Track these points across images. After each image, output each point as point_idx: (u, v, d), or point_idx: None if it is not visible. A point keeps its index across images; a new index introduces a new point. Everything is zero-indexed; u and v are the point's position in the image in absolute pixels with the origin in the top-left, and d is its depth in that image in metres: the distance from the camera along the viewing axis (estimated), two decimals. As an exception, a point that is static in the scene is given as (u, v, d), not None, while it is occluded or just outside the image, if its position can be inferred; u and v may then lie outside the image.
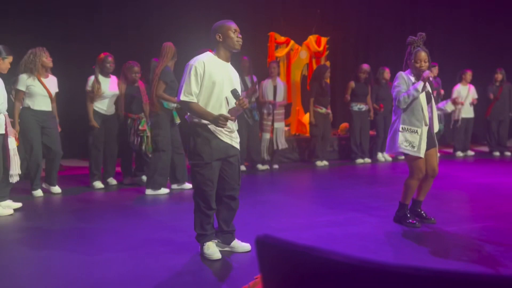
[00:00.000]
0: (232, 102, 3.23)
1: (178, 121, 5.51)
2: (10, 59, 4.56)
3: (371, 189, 5.84)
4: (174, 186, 5.66)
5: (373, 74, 7.95)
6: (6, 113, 4.63)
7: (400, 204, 4.14)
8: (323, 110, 7.47)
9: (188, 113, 3.29)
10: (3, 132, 4.52)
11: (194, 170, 3.24)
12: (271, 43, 8.18)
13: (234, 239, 3.48)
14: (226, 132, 3.25)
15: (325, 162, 7.61)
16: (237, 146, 3.34)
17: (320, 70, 7.56)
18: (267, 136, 7.13)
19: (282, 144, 7.24)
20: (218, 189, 3.31)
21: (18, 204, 4.76)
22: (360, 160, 7.82)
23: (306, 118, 8.07)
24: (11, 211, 4.60)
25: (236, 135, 3.34)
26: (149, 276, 2.99)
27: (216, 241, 3.40)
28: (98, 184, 5.75)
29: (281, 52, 8.21)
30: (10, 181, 4.64)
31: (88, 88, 5.60)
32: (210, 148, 3.19)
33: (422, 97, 3.91)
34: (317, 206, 4.93)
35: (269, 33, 8.20)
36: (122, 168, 6.10)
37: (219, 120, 3.08)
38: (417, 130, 3.88)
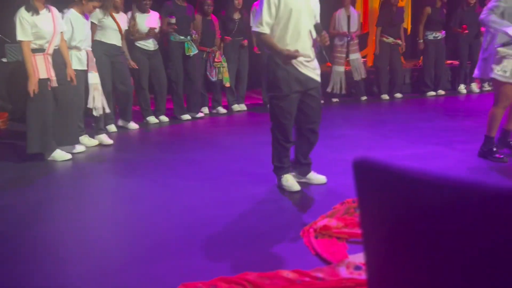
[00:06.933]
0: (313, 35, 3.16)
1: (189, 53, 5.74)
2: (94, 2, 4.57)
3: (454, 122, 5.57)
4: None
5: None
6: (90, 49, 4.82)
7: (485, 137, 3.93)
8: (389, 39, 7.03)
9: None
10: (85, 68, 4.73)
11: (273, 103, 3.24)
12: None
13: (311, 171, 3.52)
14: (306, 63, 3.18)
15: (398, 95, 7.31)
16: (317, 78, 3.26)
17: None
18: (340, 69, 6.87)
19: (363, 74, 7.00)
20: (299, 122, 3.29)
21: (110, 141, 4.92)
22: (431, 93, 7.40)
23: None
24: (96, 142, 4.85)
25: (316, 65, 3.26)
26: (231, 202, 3.15)
27: (292, 174, 3.47)
28: (152, 120, 5.85)
29: (358, -22, 7.74)
30: (94, 114, 4.81)
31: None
32: (289, 80, 3.14)
33: None
34: (393, 139, 4.79)
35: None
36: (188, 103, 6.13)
37: (283, 56, 3.01)
38: None
